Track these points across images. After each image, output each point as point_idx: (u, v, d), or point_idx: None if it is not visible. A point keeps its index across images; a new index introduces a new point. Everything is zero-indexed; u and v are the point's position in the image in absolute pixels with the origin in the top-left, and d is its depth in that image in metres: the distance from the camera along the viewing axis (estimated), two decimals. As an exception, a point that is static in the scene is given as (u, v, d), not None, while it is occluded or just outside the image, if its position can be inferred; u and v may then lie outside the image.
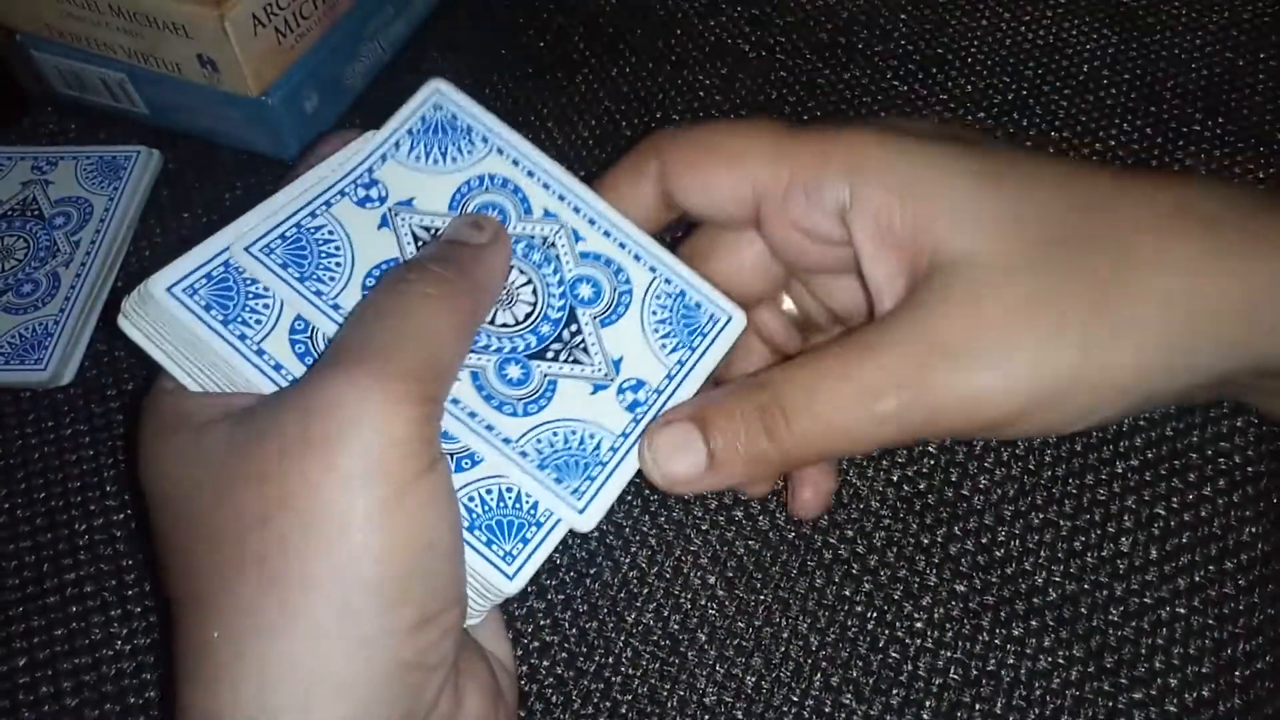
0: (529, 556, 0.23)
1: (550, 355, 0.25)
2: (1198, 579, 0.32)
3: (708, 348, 0.26)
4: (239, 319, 0.23)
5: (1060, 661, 0.30)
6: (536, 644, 0.31)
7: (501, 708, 0.24)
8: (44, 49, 0.43)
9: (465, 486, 0.23)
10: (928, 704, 0.30)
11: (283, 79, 0.41)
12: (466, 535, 0.23)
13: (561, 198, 0.27)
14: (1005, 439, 0.24)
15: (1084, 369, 0.23)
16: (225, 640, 0.20)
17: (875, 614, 0.31)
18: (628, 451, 0.24)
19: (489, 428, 0.24)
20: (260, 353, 0.23)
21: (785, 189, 0.25)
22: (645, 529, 0.33)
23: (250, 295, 0.23)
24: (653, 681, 0.30)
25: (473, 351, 0.24)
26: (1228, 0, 0.47)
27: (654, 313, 0.26)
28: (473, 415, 0.24)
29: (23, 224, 0.40)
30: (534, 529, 0.23)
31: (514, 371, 0.25)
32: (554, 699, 0.30)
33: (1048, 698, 0.30)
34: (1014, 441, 0.34)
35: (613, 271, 0.26)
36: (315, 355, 0.23)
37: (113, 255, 0.40)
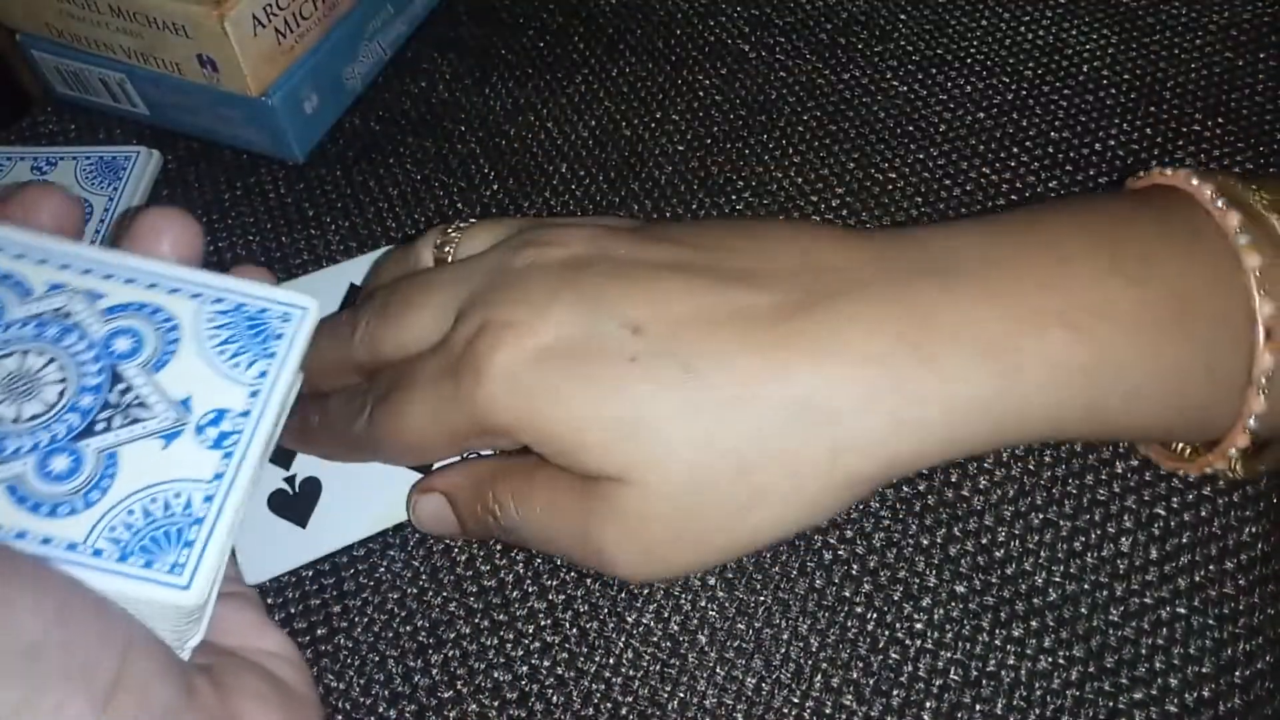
0: (199, 556, 0.21)
1: (101, 427, 0.22)
2: (1198, 579, 0.32)
3: (289, 348, 0.24)
4: None
5: (1060, 662, 0.30)
6: (537, 644, 0.31)
7: (294, 702, 0.23)
8: (44, 49, 0.43)
9: (105, 517, 0.21)
10: (928, 705, 0.30)
11: (282, 79, 0.41)
12: (119, 566, 0.21)
13: (65, 266, 0.24)
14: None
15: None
16: None
17: (875, 615, 0.31)
18: (228, 494, 0.22)
19: (46, 541, 0.21)
20: None
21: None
22: (645, 529, 0.33)
23: None
24: (653, 683, 0.30)
25: (6, 460, 0.22)
26: (1228, 0, 0.47)
27: (212, 337, 0.24)
28: (21, 535, 0.21)
29: (22, 224, 0.40)
30: (195, 526, 0.22)
31: (60, 463, 0.22)
32: (554, 699, 0.30)
33: (1048, 698, 0.30)
34: (1014, 442, 0.34)
35: (149, 313, 0.24)
36: None
37: (112, 256, 0.40)
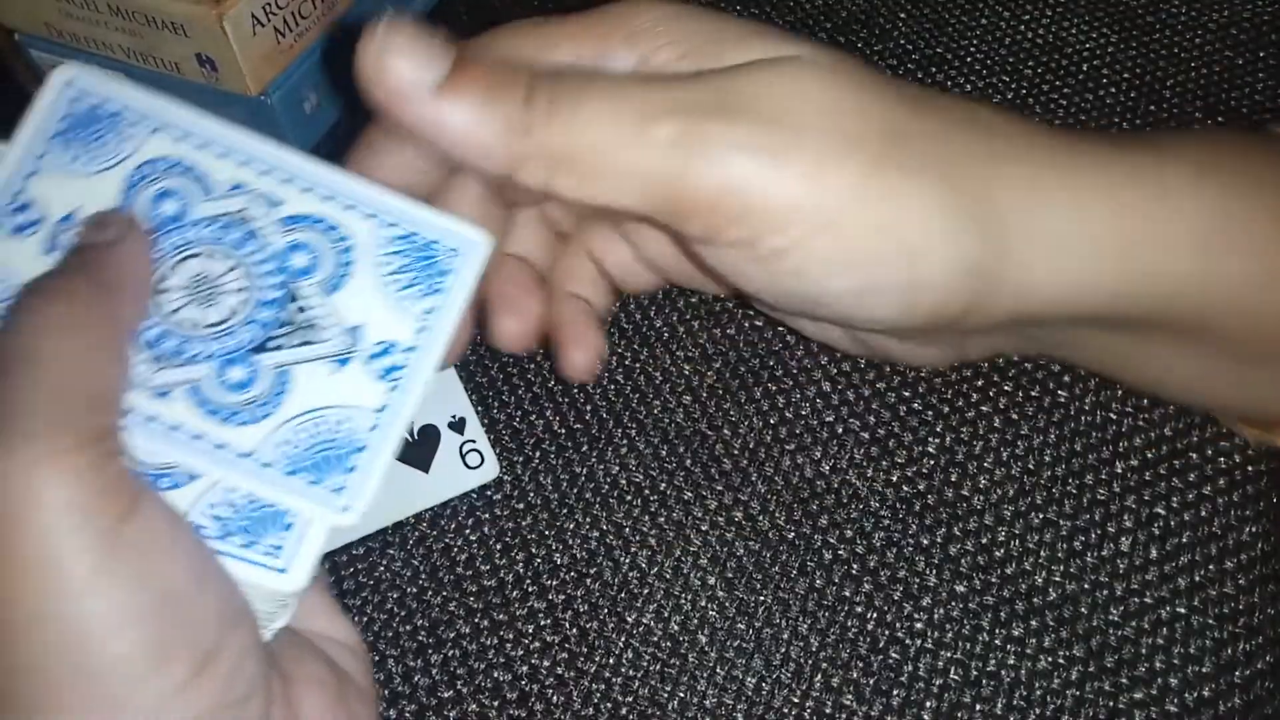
0: (298, 543, 0.21)
1: (276, 343, 0.22)
2: (1198, 578, 0.32)
3: (457, 282, 0.23)
4: None
5: (1060, 661, 0.30)
6: (538, 644, 0.31)
7: (351, 693, 0.23)
8: (42, 48, 0.43)
9: (208, 493, 0.21)
10: (928, 704, 0.30)
11: (282, 78, 0.41)
12: (221, 545, 0.21)
13: (245, 163, 0.23)
14: (759, 259, 0.22)
15: (870, 210, 0.21)
16: None
17: (875, 615, 0.31)
18: (391, 425, 0.22)
19: (220, 446, 0.21)
20: None
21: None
22: (645, 529, 0.33)
23: None
24: (653, 683, 0.30)
25: (184, 363, 0.22)
26: (1227, 0, 0.47)
27: (386, 263, 0.23)
28: (198, 438, 0.21)
29: (22, 224, 0.40)
30: (357, 454, 0.22)
31: (237, 373, 0.22)
32: (554, 699, 0.30)
33: (1048, 698, 0.30)
34: (1014, 441, 0.34)
35: (324, 230, 0.23)
36: None
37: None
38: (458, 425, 0.34)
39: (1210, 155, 0.25)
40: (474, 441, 0.34)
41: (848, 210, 0.21)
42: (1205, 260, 0.24)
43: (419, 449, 0.34)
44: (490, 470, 0.34)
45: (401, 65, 0.21)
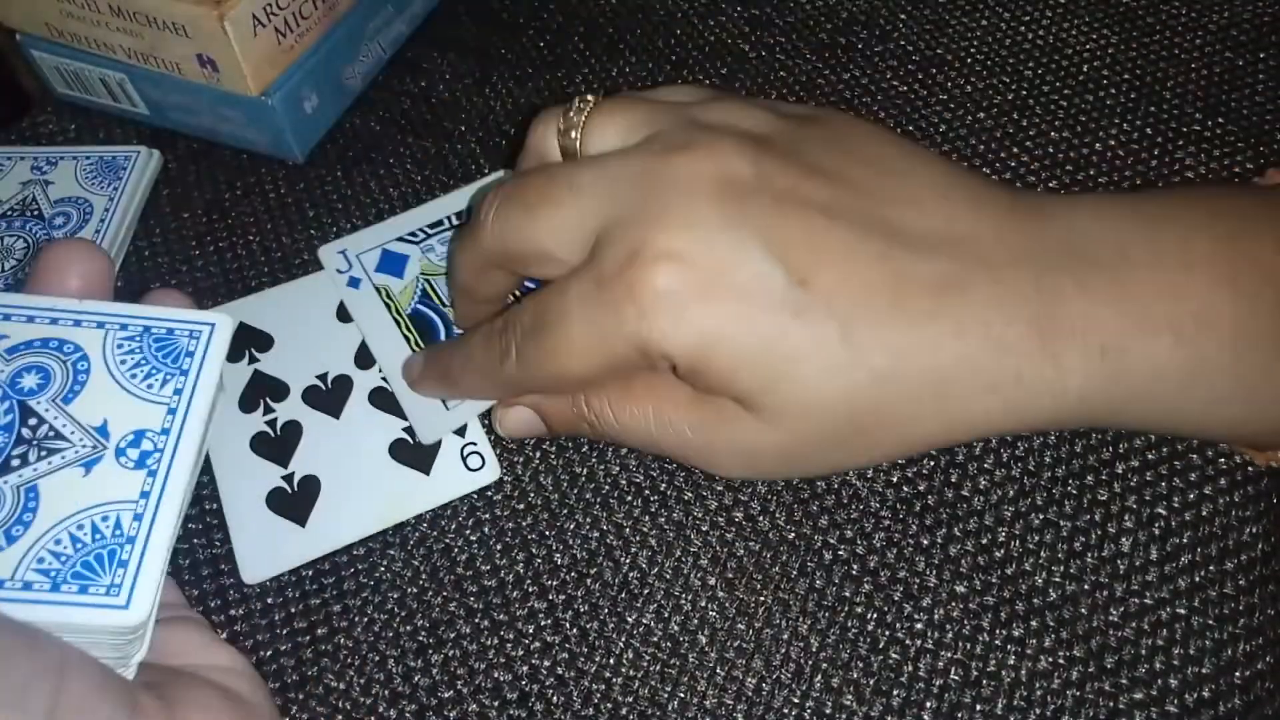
0: (136, 574, 0.21)
1: (17, 463, 0.22)
2: (1198, 579, 0.32)
3: (202, 362, 0.25)
4: None
5: (1061, 662, 0.30)
6: (538, 644, 0.31)
7: (244, 710, 0.23)
8: (43, 49, 0.43)
9: (30, 550, 0.21)
10: (928, 704, 0.30)
11: (282, 79, 0.41)
12: (53, 595, 0.21)
13: None
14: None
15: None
16: None
17: (875, 615, 0.31)
18: (157, 510, 0.22)
19: None
20: None
21: None
22: (645, 530, 0.33)
23: None
24: (653, 683, 0.30)
25: None
26: (1228, 0, 0.47)
27: (122, 362, 0.24)
28: None
29: (23, 224, 0.40)
30: (128, 546, 0.22)
31: None
32: (554, 699, 0.30)
33: (1048, 698, 0.30)
34: (1014, 442, 0.34)
35: (54, 347, 0.24)
36: None
37: (112, 255, 0.40)
38: (459, 429, 0.35)
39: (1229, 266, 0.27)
40: (475, 444, 0.34)
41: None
42: (1176, 399, 0.28)
43: (421, 452, 0.34)
44: (491, 473, 0.34)
45: (521, 434, 0.34)
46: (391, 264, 0.39)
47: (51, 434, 0.23)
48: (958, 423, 0.27)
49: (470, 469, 0.34)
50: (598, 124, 0.30)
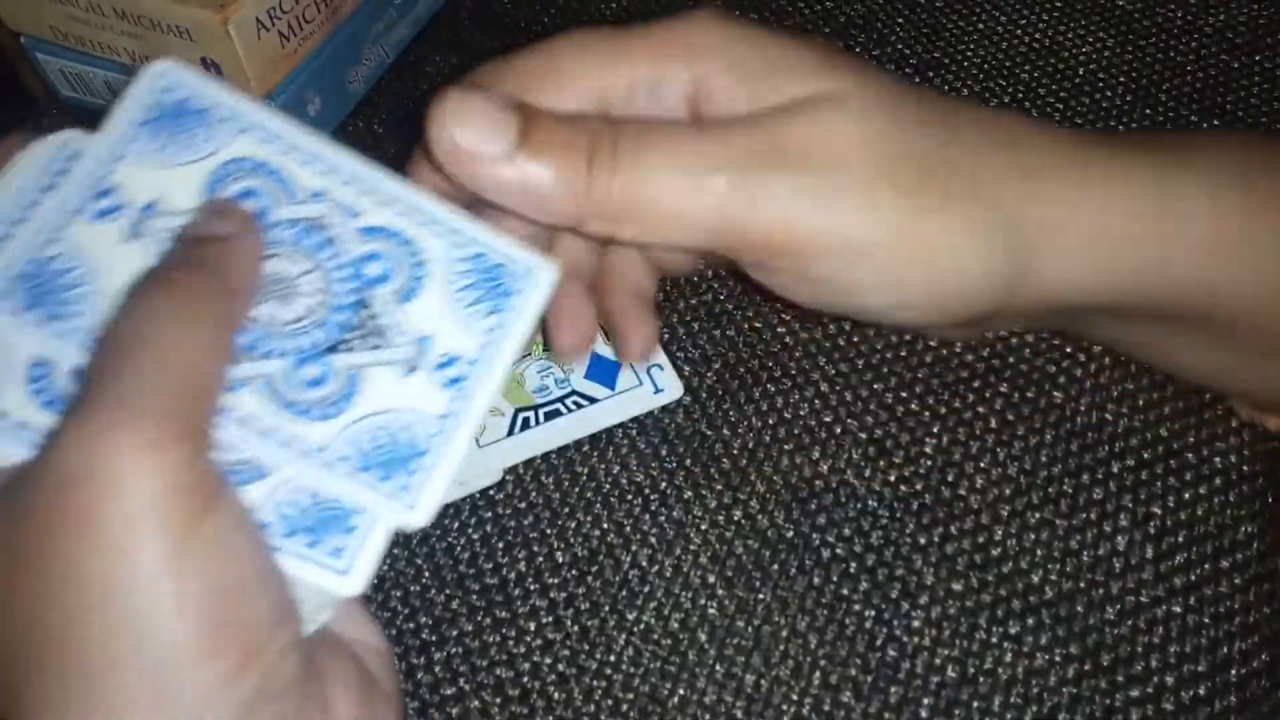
0: (361, 547, 0.22)
1: (348, 346, 0.23)
2: (1193, 577, 0.32)
3: (523, 305, 0.24)
4: None
5: (1057, 660, 0.31)
6: (539, 641, 0.32)
7: (378, 695, 0.23)
8: (48, 52, 0.43)
9: (278, 490, 0.21)
10: (925, 702, 0.30)
11: (286, 82, 0.42)
12: (285, 542, 0.21)
13: (329, 172, 0.24)
14: (806, 279, 0.24)
15: (907, 240, 0.23)
16: None
17: (873, 613, 0.32)
18: (454, 433, 0.23)
19: (291, 441, 0.22)
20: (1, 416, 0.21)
21: (627, 92, 0.24)
22: (645, 528, 0.34)
23: None
24: (654, 680, 0.31)
25: (260, 357, 0.22)
26: (1223, 3, 0.47)
27: (456, 280, 0.24)
28: (269, 432, 0.22)
29: (27, 226, 0.41)
30: (418, 458, 0.22)
31: (312, 371, 0.22)
32: (555, 696, 0.31)
33: (1044, 696, 0.30)
34: (1011, 442, 0.35)
35: (400, 243, 0.24)
36: (63, 402, 0.21)
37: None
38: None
39: (1236, 163, 0.27)
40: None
41: (886, 242, 0.23)
42: (1216, 263, 0.26)
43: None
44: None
45: (473, 137, 0.22)
46: None
47: (381, 329, 0.23)
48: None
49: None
50: None
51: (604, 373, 0.36)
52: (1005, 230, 0.24)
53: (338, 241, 0.23)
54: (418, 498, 0.22)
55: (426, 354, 0.23)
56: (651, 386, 0.36)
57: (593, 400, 0.36)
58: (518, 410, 0.35)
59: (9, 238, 0.21)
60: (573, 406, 0.35)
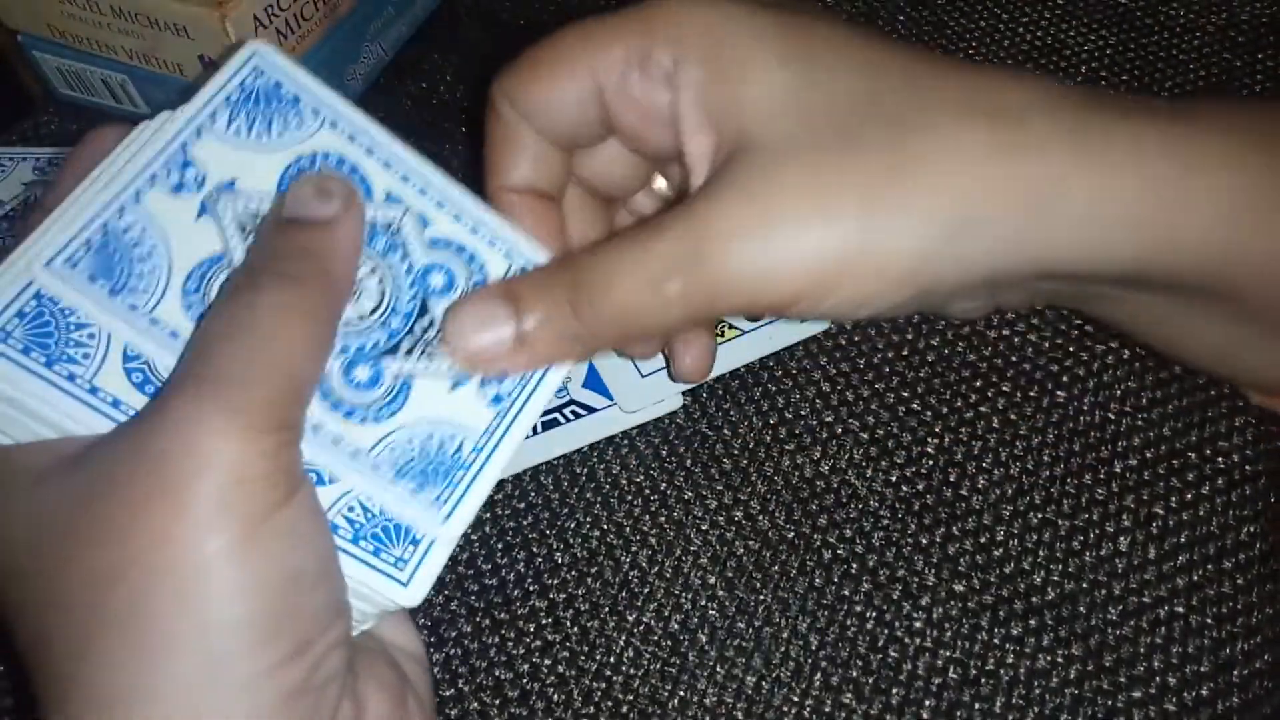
0: (422, 559, 0.22)
1: (403, 352, 0.23)
2: (1196, 578, 0.32)
3: None
4: (64, 357, 0.20)
5: (1059, 660, 0.30)
6: (539, 643, 0.31)
7: (411, 698, 0.24)
8: (45, 50, 0.43)
9: (344, 496, 0.21)
10: (927, 703, 0.30)
11: (284, 80, 0.41)
12: (351, 546, 0.21)
13: (405, 179, 0.24)
14: (800, 316, 0.24)
15: (861, 253, 0.23)
16: (91, 712, 0.19)
17: (874, 614, 0.32)
18: (494, 449, 0.23)
19: (337, 440, 0.22)
20: (94, 390, 0.20)
21: (620, 69, 0.25)
22: (645, 529, 0.33)
23: (72, 326, 0.20)
24: (654, 681, 0.31)
25: None
26: (1225, 2, 0.47)
27: None
28: (317, 429, 0.21)
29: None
30: (461, 471, 0.22)
31: (363, 373, 0.22)
32: (555, 697, 0.30)
33: (1046, 696, 0.30)
34: (1013, 442, 0.35)
35: (466, 259, 0.24)
36: (156, 383, 0.21)
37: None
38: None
39: (1256, 129, 0.26)
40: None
41: (851, 271, 0.23)
42: (1234, 233, 0.25)
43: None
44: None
45: (481, 344, 0.23)
46: None
47: (437, 340, 0.23)
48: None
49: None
50: None
51: (602, 382, 0.36)
52: (990, 205, 0.23)
53: (406, 248, 0.24)
54: (453, 510, 0.22)
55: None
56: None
57: (591, 409, 0.35)
58: None
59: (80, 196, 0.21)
60: (571, 416, 0.35)
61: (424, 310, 0.23)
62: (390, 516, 0.22)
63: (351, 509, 0.22)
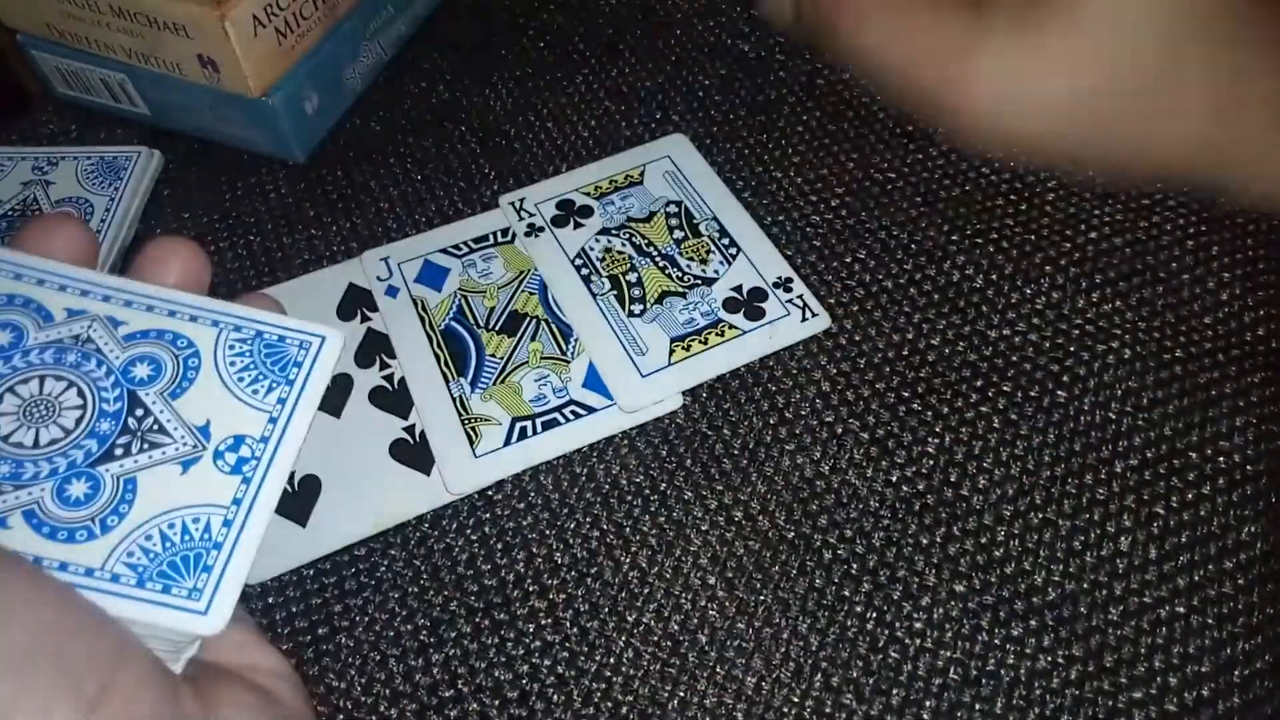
0: (218, 584, 0.21)
1: (120, 452, 0.22)
2: (1196, 578, 0.32)
3: (308, 374, 0.24)
4: None
5: (1059, 661, 0.30)
6: (538, 643, 0.31)
7: (281, 713, 0.23)
8: (44, 49, 0.43)
9: (119, 545, 0.21)
10: (927, 704, 0.30)
11: (283, 79, 0.41)
12: (138, 593, 0.21)
13: (84, 293, 0.24)
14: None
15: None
16: None
17: (875, 614, 0.32)
18: (247, 519, 0.22)
19: (63, 567, 0.21)
20: None
21: None
22: (645, 529, 0.33)
23: None
24: (653, 682, 0.31)
25: (20, 486, 0.21)
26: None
27: (231, 364, 0.24)
28: (38, 561, 0.21)
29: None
30: (214, 552, 0.22)
31: (78, 489, 0.22)
32: (555, 698, 0.30)
33: (1047, 697, 0.30)
34: (1013, 442, 0.35)
35: (169, 340, 0.24)
36: None
37: (113, 255, 0.40)
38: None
39: None
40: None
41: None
42: None
43: (421, 451, 0.34)
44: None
45: None
46: (432, 276, 0.39)
47: (155, 428, 0.23)
48: None
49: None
50: None
51: (602, 382, 0.36)
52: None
53: (101, 353, 0.23)
54: (212, 599, 0.21)
55: (208, 443, 0.23)
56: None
57: (591, 410, 0.35)
58: (515, 420, 0.35)
59: None
60: (571, 416, 0.35)
61: (135, 403, 0.23)
62: (185, 548, 0.21)
63: (131, 554, 0.21)
